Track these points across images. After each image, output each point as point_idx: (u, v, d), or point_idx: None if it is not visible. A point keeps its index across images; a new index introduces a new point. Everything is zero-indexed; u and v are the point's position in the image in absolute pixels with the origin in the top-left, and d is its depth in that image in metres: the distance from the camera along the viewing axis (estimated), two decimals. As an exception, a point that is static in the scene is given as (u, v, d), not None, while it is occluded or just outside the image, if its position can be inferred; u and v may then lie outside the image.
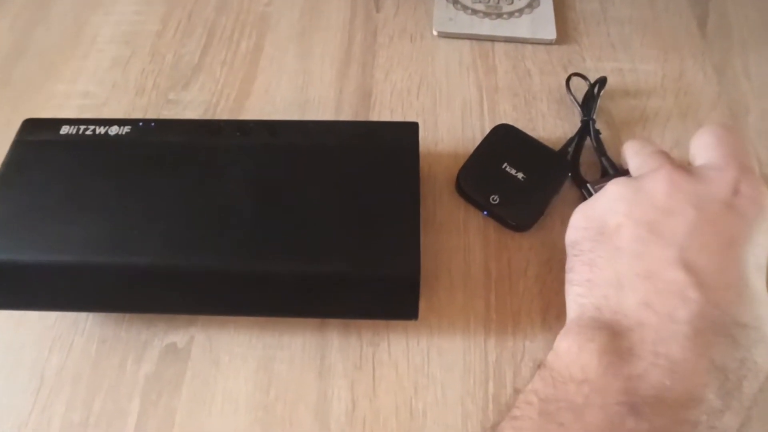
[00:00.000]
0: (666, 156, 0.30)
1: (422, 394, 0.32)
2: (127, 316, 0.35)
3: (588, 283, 0.26)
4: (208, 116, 0.44)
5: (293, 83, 0.45)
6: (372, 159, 0.32)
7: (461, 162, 0.40)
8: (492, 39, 0.48)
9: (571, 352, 0.23)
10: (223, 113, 0.44)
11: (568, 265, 0.29)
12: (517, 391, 0.24)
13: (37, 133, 0.33)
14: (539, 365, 0.25)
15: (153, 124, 0.34)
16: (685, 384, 0.21)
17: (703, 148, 0.29)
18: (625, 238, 0.26)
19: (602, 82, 0.42)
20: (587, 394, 0.21)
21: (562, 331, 0.26)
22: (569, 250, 0.30)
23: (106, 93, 0.45)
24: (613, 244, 0.26)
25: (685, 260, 0.24)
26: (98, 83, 0.46)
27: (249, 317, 0.34)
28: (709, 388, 0.21)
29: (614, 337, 0.23)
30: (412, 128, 0.33)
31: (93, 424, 0.32)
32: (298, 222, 0.30)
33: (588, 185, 0.38)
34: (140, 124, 0.34)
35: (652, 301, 0.23)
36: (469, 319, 0.35)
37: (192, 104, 0.44)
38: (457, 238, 0.38)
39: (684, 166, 0.28)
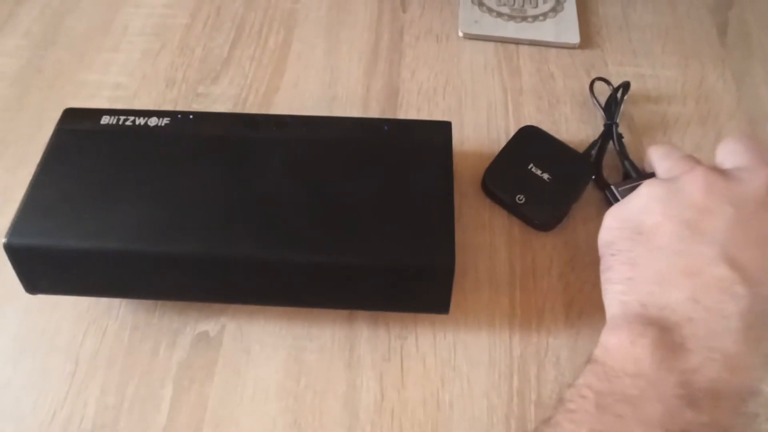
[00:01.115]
0: (696, 159, 0.31)
1: (449, 387, 0.33)
2: (159, 304, 0.36)
3: (629, 282, 0.27)
4: (237, 110, 0.44)
5: (321, 79, 0.46)
6: (406, 155, 0.32)
7: (486, 162, 0.40)
8: (516, 42, 0.48)
9: (622, 347, 0.24)
10: (252, 107, 0.44)
11: (605, 264, 0.29)
12: (567, 386, 0.25)
13: (77, 122, 0.34)
14: (587, 361, 0.25)
15: (192, 116, 0.34)
16: (741, 377, 0.22)
17: (730, 153, 0.30)
18: (665, 236, 0.26)
19: (626, 87, 0.43)
20: (643, 387, 0.22)
21: (607, 328, 0.26)
22: (604, 251, 0.30)
23: (137, 85, 0.46)
24: (652, 243, 0.27)
25: (729, 257, 0.24)
26: (129, 75, 0.46)
27: (279, 307, 0.35)
28: (765, 382, 0.21)
29: (664, 332, 0.23)
30: (445, 127, 0.34)
31: (127, 408, 0.33)
32: (333, 214, 0.31)
33: (611, 188, 0.39)
34: (179, 116, 0.34)
35: (700, 297, 0.24)
36: (495, 315, 0.35)
37: (221, 98, 0.45)
38: (482, 237, 0.38)
39: (717, 168, 0.29)
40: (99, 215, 0.31)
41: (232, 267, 0.31)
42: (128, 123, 0.34)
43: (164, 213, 0.31)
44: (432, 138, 0.33)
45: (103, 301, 0.36)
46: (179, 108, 0.44)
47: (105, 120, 0.34)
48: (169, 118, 0.34)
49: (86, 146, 0.33)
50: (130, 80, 0.46)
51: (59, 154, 0.33)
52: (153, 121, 0.34)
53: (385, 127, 0.33)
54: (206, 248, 0.31)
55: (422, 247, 0.29)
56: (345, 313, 0.35)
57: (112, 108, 0.35)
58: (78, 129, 0.34)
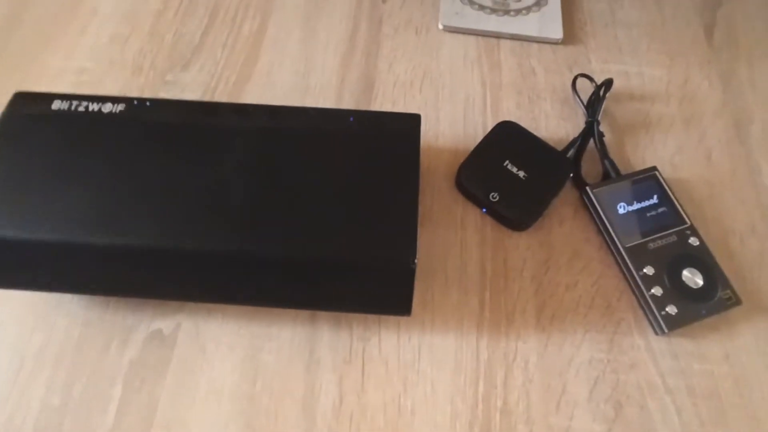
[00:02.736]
0: None
1: (411, 392, 0.32)
2: (113, 299, 0.34)
3: None
4: (207, 99, 0.43)
5: (295, 69, 0.44)
6: (372, 149, 0.31)
7: (461, 158, 0.39)
8: (498, 36, 0.47)
9: None
10: (222, 96, 0.43)
11: None
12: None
13: (28, 106, 0.32)
14: None
15: (148, 103, 0.33)
16: None
17: None
18: None
19: (608, 84, 0.42)
20: None
21: None
22: None
23: (103, 70, 0.44)
24: None
25: None
26: (95, 60, 0.44)
27: (238, 305, 0.34)
28: None
29: None
30: (413, 120, 0.32)
31: (73, 408, 0.31)
32: (291, 208, 0.29)
33: (587, 188, 0.38)
34: (135, 102, 0.33)
35: None
36: (463, 317, 0.34)
37: (190, 86, 0.43)
38: (453, 235, 0.37)
39: None
40: (45, 205, 0.29)
41: (183, 261, 0.30)
42: (81, 109, 0.32)
43: (114, 204, 0.30)
44: (399, 131, 0.32)
45: (54, 295, 0.34)
46: (146, 96, 0.43)
47: (56, 105, 0.32)
48: (124, 105, 0.32)
49: (35, 132, 0.31)
50: (96, 65, 0.44)
51: (6, 139, 0.31)
52: (107, 108, 0.32)
53: (351, 119, 0.32)
54: (157, 241, 0.29)
55: (382, 245, 0.28)
56: (306, 312, 0.34)
57: (67, 93, 0.33)
58: (27, 113, 0.32)
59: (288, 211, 0.29)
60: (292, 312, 0.34)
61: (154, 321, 0.34)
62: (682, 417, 0.31)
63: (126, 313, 0.34)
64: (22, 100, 0.33)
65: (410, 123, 0.32)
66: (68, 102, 0.33)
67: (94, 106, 0.32)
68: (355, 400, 0.31)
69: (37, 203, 0.30)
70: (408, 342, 0.33)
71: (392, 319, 0.34)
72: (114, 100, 0.33)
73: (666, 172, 0.40)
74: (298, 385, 0.32)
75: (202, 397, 0.31)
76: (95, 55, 0.45)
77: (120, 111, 0.32)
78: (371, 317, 0.34)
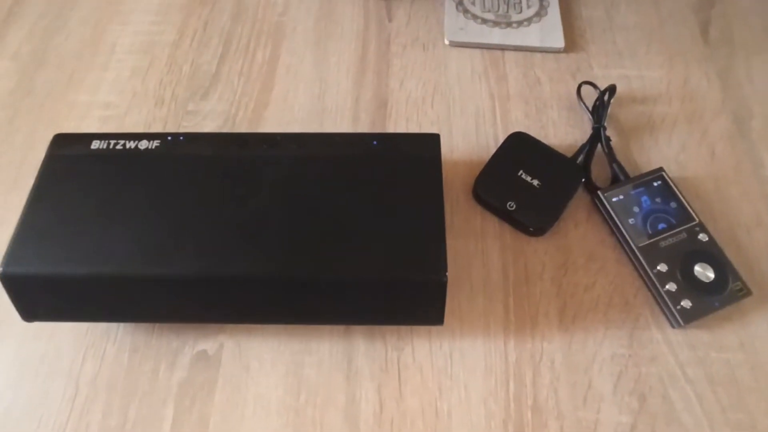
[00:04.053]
0: None
1: (446, 395, 0.34)
2: (157, 324, 0.36)
3: None
4: (228, 126, 0.45)
5: (310, 92, 0.46)
6: (396, 170, 0.33)
7: (476, 169, 0.41)
8: (502, 48, 0.49)
9: None
10: (242, 123, 0.45)
11: None
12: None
13: (68, 147, 0.34)
14: None
15: (182, 137, 0.35)
16: None
17: None
18: None
19: (612, 90, 0.43)
20: None
21: None
22: None
23: (127, 103, 0.46)
24: None
25: None
26: (119, 93, 0.46)
27: (277, 325, 0.36)
28: None
29: None
30: (433, 139, 0.34)
31: (130, 429, 0.33)
32: (325, 231, 0.31)
33: (599, 192, 0.39)
34: (169, 138, 0.35)
35: None
36: (489, 322, 0.36)
37: (211, 114, 0.45)
38: (475, 244, 0.39)
39: None
40: (93, 241, 0.31)
41: (227, 287, 0.32)
42: (119, 147, 0.34)
43: (158, 236, 0.31)
44: (421, 151, 0.33)
45: (102, 324, 0.36)
46: (170, 126, 0.45)
47: (95, 144, 0.34)
48: (159, 141, 0.34)
49: (78, 172, 0.33)
50: (120, 99, 0.46)
51: (51, 180, 0.33)
52: (143, 144, 0.34)
53: (374, 142, 0.34)
54: (201, 269, 0.31)
55: (414, 263, 0.30)
56: (342, 326, 0.36)
57: (101, 132, 0.35)
58: (69, 154, 0.34)
59: (322, 234, 0.31)
60: (327, 327, 0.36)
61: (198, 343, 0.36)
62: (703, 404, 0.33)
63: (170, 336, 0.36)
64: (62, 141, 0.35)
65: (430, 142, 0.34)
66: (106, 141, 0.35)
67: (130, 144, 0.34)
68: (395, 406, 0.33)
69: (83, 240, 0.31)
70: (440, 349, 0.35)
71: (423, 328, 0.35)
72: (149, 136, 0.35)
73: (672, 170, 0.42)
74: (340, 395, 0.34)
75: (250, 412, 0.33)
76: (118, 88, 0.47)
77: (156, 147, 0.34)
78: (403, 328, 0.36)
